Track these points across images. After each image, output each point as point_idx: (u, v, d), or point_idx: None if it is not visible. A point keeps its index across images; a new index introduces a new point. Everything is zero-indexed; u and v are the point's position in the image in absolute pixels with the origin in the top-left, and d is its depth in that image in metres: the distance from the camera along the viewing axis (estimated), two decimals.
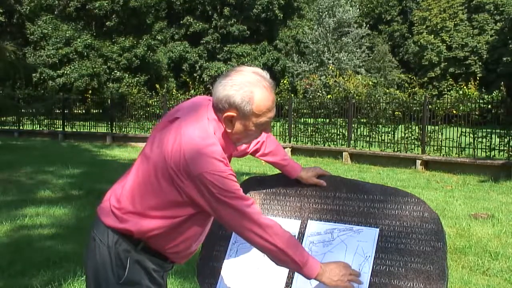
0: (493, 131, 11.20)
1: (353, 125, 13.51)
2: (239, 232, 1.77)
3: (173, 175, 1.69)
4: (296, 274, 2.03)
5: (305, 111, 16.03)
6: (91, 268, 1.85)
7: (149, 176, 1.76)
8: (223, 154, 1.71)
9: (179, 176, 1.68)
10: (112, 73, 29.55)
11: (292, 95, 17.89)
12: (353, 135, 13.46)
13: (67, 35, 29.46)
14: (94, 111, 20.65)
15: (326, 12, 34.39)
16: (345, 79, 23.53)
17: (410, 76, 35.23)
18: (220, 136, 1.77)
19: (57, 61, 29.39)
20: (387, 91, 21.71)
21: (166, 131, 1.78)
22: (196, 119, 1.76)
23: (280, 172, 2.24)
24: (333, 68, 28.61)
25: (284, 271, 2.06)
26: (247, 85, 1.71)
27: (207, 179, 1.65)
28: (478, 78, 27.47)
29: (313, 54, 34.25)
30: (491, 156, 11.00)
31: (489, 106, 11.85)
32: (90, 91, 24.26)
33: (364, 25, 35.17)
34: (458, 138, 11.44)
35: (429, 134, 12.03)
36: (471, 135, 11.37)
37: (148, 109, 17.72)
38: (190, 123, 1.74)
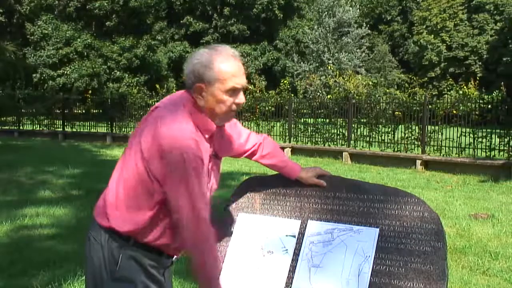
0: (493, 131, 11.20)
1: (353, 125, 13.50)
2: (177, 210, 1.74)
3: (147, 159, 1.71)
4: (296, 274, 2.03)
5: (305, 111, 16.03)
6: (89, 268, 1.86)
7: (128, 169, 1.78)
8: (196, 134, 1.73)
9: (152, 160, 1.70)
10: (112, 73, 29.56)
11: (292, 95, 17.87)
12: (353, 135, 13.45)
13: (67, 35, 29.46)
14: (94, 111, 20.64)
15: (326, 12, 34.39)
16: (345, 79, 23.53)
17: (410, 76, 35.23)
18: (196, 117, 1.78)
19: (57, 61, 29.40)
20: (387, 91, 21.73)
21: (143, 121, 1.83)
22: (172, 104, 1.80)
23: (278, 172, 2.25)
24: (333, 68, 28.62)
25: (284, 271, 2.06)
26: (209, 54, 1.77)
27: (175, 156, 1.66)
28: (478, 78, 27.50)
29: (313, 54, 34.25)
30: (491, 156, 10.99)
31: (489, 106, 11.84)
32: (90, 91, 24.26)
33: (364, 25, 35.17)
34: (458, 138, 11.43)
35: (429, 134, 12.02)
36: (471, 135, 11.36)
37: (148, 109, 17.63)
38: (166, 108, 1.79)
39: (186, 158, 1.67)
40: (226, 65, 1.76)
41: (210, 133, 1.83)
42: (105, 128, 18.17)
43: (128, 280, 1.81)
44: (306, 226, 2.12)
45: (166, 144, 1.67)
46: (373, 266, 1.93)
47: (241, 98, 1.80)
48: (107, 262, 1.81)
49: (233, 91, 1.78)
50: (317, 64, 33.60)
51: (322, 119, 14.96)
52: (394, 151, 12.48)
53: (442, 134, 11.67)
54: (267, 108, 15.65)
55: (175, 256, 1.95)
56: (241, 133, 2.16)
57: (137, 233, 1.80)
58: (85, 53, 29.59)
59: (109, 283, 1.81)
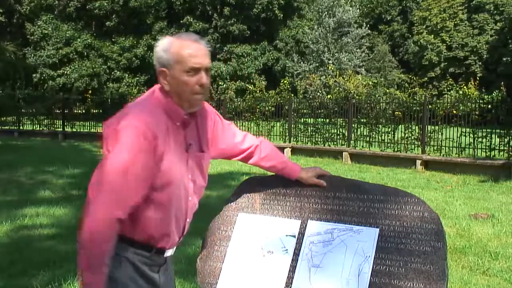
0: (493, 131, 11.20)
1: (353, 125, 13.50)
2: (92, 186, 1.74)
3: (109, 144, 1.74)
4: (296, 274, 2.03)
5: (305, 111, 16.04)
6: None
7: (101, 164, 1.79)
8: (156, 119, 1.75)
9: (111, 142, 1.73)
10: (112, 73, 29.57)
11: (292, 95, 17.88)
12: (353, 135, 13.46)
13: (67, 35, 29.47)
14: (94, 111, 20.64)
15: (326, 12, 34.40)
16: (345, 79, 23.54)
17: (410, 76, 35.19)
18: (166, 102, 1.81)
19: (57, 61, 29.40)
20: (387, 91, 21.70)
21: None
22: (138, 100, 1.87)
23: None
24: (333, 68, 28.62)
25: (284, 271, 2.06)
26: (169, 39, 1.83)
27: (123, 132, 1.69)
28: (478, 78, 27.49)
29: (313, 54, 34.25)
30: (491, 156, 10.99)
31: (489, 106, 11.84)
32: (90, 91, 24.26)
33: (364, 25, 35.17)
34: (458, 138, 11.43)
35: (429, 134, 12.02)
36: (471, 135, 11.36)
37: None
38: (130, 106, 1.84)
39: (130, 134, 1.67)
40: (184, 47, 1.79)
41: (180, 120, 1.83)
42: None
43: (117, 278, 1.80)
44: (306, 226, 2.12)
45: (121, 126, 1.70)
46: (373, 266, 1.93)
47: (203, 78, 1.80)
48: None
49: (194, 72, 1.79)
50: (317, 64, 33.59)
51: (322, 119, 14.96)
52: (394, 151, 12.48)
53: (442, 134, 11.67)
54: (267, 108, 15.66)
55: (169, 253, 1.93)
56: (236, 134, 2.16)
57: (120, 228, 1.78)
58: (85, 53, 29.60)
59: None
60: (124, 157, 1.67)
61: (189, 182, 1.88)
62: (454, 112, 11.91)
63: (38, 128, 19.62)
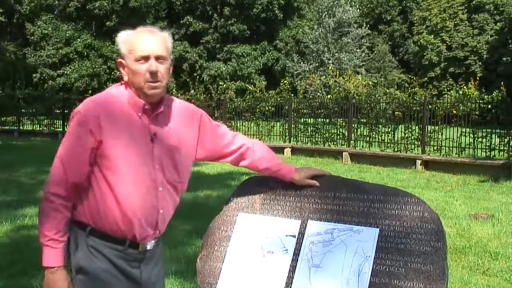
0: (493, 131, 11.20)
1: (353, 125, 13.50)
2: None
3: None
4: (296, 274, 2.03)
5: (305, 111, 16.04)
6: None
7: None
8: (92, 107, 1.83)
9: None
10: (112, 73, 29.57)
11: (292, 95, 17.88)
12: (353, 135, 13.46)
13: (67, 35, 29.47)
14: None
15: (326, 12, 34.38)
16: (345, 79, 23.53)
17: (410, 76, 35.18)
18: (127, 93, 1.89)
19: (57, 61, 29.41)
20: (387, 91, 21.70)
21: None
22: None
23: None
24: (333, 68, 28.61)
25: (284, 271, 2.06)
26: (125, 32, 1.91)
27: (69, 119, 1.87)
28: (478, 78, 27.47)
29: (313, 54, 34.24)
30: (491, 156, 10.99)
31: (489, 106, 11.84)
32: (90, 91, 24.25)
33: (364, 25, 35.16)
34: (458, 138, 11.43)
35: (429, 134, 12.02)
36: (471, 135, 11.36)
37: None
38: None
39: (72, 121, 1.84)
40: (136, 37, 1.86)
41: (140, 110, 1.87)
42: None
43: (90, 271, 1.85)
44: (306, 226, 2.12)
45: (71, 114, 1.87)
46: (373, 266, 1.93)
47: (152, 66, 1.83)
48: (72, 255, 1.89)
49: (144, 60, 1.83)
50: (317, 64, 33.58)
51: (322, 119, 14.96)
52: (394, 151, 12.48)
53: (442, 134, 11.67)
54: (267, 108, 15.66)
55: (146, 247, 1.92)
56: (226, 135, 2.16)
57: (89, 220, 1.86)
58: (85, 53, 29.62)
59: (74, 275, 1.88)
60: (64, 142, 1.84)
61: (155, 172, 1.88)
62: (454, 112, 11.91)
63: (38, 128, 19.62)
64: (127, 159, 1.82)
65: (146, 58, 1.83)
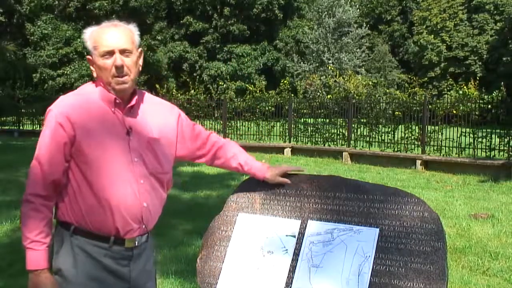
0: (493, 131, 11.20)
1: (353, 125, 13.50)
2: None
3: None
4: (296, 274, 2.03)
5: (305, 111, 16.03)
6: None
7: None
8: (65, 103, 1.85)
9: None
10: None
11: (292, 95, 17.87)
12: (353, 135, 13.45)
13: (67, 35, 29.48)
14: None
15: (326, 12, 34.37)
16: (345, 79, 23.52)
17: (410, 76, 35.15)
18: (98, 89, 1.89)
19: (57, 61, 29.41)
20: (387, 91, 21.70)
21: None
22: None
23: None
24: (333, 68, 28.60)
25: (284, 271, 2.06)
26: (90, 29, 1.91)
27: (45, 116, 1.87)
28: (478, 78, 27.44)
29: (313, 54, 34.23)
30: (491, 156, 10.99)
31: (489, 106, 11.84)
32: None
33: (364, 25, 35.15)
34: (458, 138, 11.43)
35: (429, 134, 12.02)
36: (471, 135, 11.36)
37: None
38: None
39: (46, 119, 1.85)
40: (99, 32, 1.87)
41: (112, 104, 1.87)
42: None
43: (67, 276, 1.83)
44: (306, 226, 2.12)
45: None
46: (373, 266, 1.93)
47: (117, 60, 1.83)
48: (54, 255, 1.87)
49: (109, 55, 1.84)
50: (317, 64, 33.58)
51: (322, 119, 14.96)
52: (394, 151, 12.48)
53: (442, 134, 11.67)
54: (267, 108, 15.65)
55: (133, 244, 1.90)
56: (201, 134, 2.16)
57: (72, 219, 1.84)
58: (85, 53, 29.51)
59: (53, 275, 1.85)
60: (39, 141, 1.85)
61: (134, 165, 1.87)
62: (454, 112, 11.91)
63: (38, 128, 19.61)
64: (102, 153, 1.81)
65: (110, 53, 1.83)
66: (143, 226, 1.91)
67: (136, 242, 1.91)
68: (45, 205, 1.82)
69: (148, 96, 2.04)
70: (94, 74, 1.90)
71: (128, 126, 1.89)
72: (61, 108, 1.83)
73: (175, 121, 2.07)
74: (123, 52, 1.85)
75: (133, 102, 1.91)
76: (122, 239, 1.87)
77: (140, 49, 1.95)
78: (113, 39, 1.84)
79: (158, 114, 2.01)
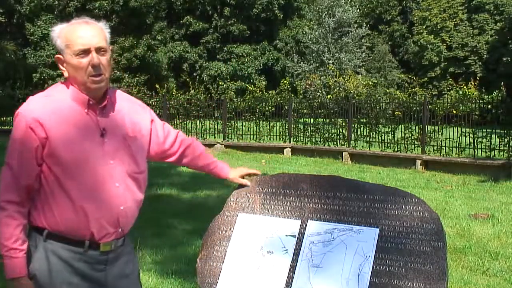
0: (493, 131, 11.20)
1: (353, 125, 13.50)
2: None
3: None
4: (296, 274, 2.03)
5: (305, 111, 16.04)
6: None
7: None
8: (33, 105, 1.78)
9: None
10: (112, 73, 29.57)
11: (292, 95, 17.88)
12: (353, 135, 13.45)
13: None
14: None
15: (326, 12, 34.36)
16: (345, 79, 23.51)
17: (410, 76, 35.15)
18: (70, 90, 1.83)
19: None
20: (387, 91, 21.70)
21: None
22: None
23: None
24: (333, 68, 28.59)
25: (284, 271, 2.06)
26: (59, 26, 1.84)
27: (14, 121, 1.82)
28: (478, 78, 27.43)
29: (313, 54, 34.21)
30: (491, 156, 10.99)
31: (489, 106, 11.84)
32: None
33: (364, 25, 35.14)
34: (458, 138, 11.43)
35: (429, 134, 12.02)
36: (471, 135, 11.36)
37: None
38: None
39: (14, 123, 1.80)
40: (71, 30, 1.79)
41: (85, 106, 1.82)
42: None
43: (49, 276, 1.79)
44: (306, 226, 2.12)
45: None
46: (373, 266, 1.94)
47: (94, 59, 1.78)
48: (29, 260, 1.82)
49: (84, 54, 1.78)
50: (317, 64, 33.55)
51: (322, 119, 14.96)
52: (394, 151, 12.47)
53: (442, 134, 11.67)
54: (267, 108, 15.65)
55: (109, 247, 1.85)
56: (171, 133, 2.14)
57: (45, 223, 1.80)
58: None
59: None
60: (9, 146, 1.79)
61: (109, 167, 1.82)
62: (454, 112, 11.91)
63: None
64: (76, 157, 1.76)
65: (86, 52, 1.77)
66: (120, 230, 1.87)
67: (112, 246, 1.86)
68: (19, 211, 1.76)
69: (120, 94, 2.00)
70: (66, 74, 1.82)
71: (102, 128, 1.84)
72: (30, 111, 1.76)
73: (148, 119, 2.04)
74: (98, 50, 1.79)
75: (106, 101, 1.87)
76: (97, 244, 1.82)
77: (111, 47, 1.89)
78: (88, 37, 1.77)
79: (131, 112, 1.97)
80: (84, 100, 1.82)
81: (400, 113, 12.89)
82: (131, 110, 1.98)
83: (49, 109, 1.77)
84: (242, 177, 2.28)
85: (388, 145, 12.76)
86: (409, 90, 15.66)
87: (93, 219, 1.79)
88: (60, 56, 1.82)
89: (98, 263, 1.85)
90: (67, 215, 1.78)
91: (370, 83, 22.62)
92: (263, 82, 29.18)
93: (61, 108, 1.79)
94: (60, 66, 1.84)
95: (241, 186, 2.34)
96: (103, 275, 1.86)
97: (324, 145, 14.00)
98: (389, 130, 12.80)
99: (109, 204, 1.82)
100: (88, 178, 1.78)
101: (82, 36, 1.77)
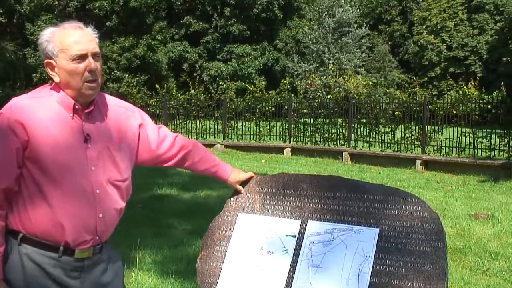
0: (493, 131, 11.20)
1: (353, 125, 13.50)
2: None
3: None
4: (296, 274, 2.03)
5: (305, 111, 16.04)
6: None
7: None
8: (17, 107, 1.74)
9: None
10: (112, 73, 29.56)
11: (292, 95, 17.88)
12: (353, 135, 13.45)
13: None
14: None
15: (326, 12, 34.37)
16: (345, 79, 23.52)
17: (410, 76, 35.15)
18: (57, 94, 1.79)
19: None
20: (387, 91, 21.70)
21: None
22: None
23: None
24: (333, 68, 28.61)
25: (284, 271, 2.06)
26: (51, 29, 1.81)
27: None
28: (478, 78, 27.46)
29: (313, 54, 34.22)
30: (491, 156, 10.99)
31: (489, 106, 11.84)
32: None
33: (364, 25, 35.15)
34: (458, 138, 11.43)
35: (429, 134, 12.02)
36: (471, 135, 11.36)
37: (148, 109, 17.69)
38: None
39: None
40: (67, 35, 1.77)
41: (71, 110, 1.79)
42: None
43: (23, 281, 1.76)
44: (306, 226, 2.12)
45: None
46: (373, 266, 1.93)
47: (91, 64, 1.77)
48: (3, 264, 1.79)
49: (81, 59, 1.76)
50: (317, 64, 33.56)
51: (322, 119, 14.96)
52: (394, 151, 12.48)
53: (442, 134, 11.67)
54: (267, 108, 15.65)
55: (85, 254, 1.82)
56: (167, 137, 2.11)
57: (20, 227, 1.76)
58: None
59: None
60: None
61: (91, 174, 1.79)
62: (454, 112, 11.91)
63: None
64: (56, 161, 1.73)
65: (83, 57, 1.75)
66: (97, 237, 1.84)
67: (88, 253, 1.83)
68: None
69: (108, 99, 1.96)
70: (56, 79, 1.78)
71: (86, 133, 1.81)
72: (13, 112, 1.72)
73: (136, 125, 2.00)
74: (94, 55, 1.78)
75: (92, 107, 1.84)
76: (73, 250, 1.79)
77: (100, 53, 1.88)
78: (85, 42, 1.76)
79: (118, 118, 1.93)
80: (70, 105, 1.79)
81: (400, 113, 12.89)
82: (119, 117, 1.94)
83: (32, 111, 1.74)
84: (240, 183, 2.28)
85: (388, 145, 12.76)
86: (409, 90, 15.66)
87: (69, 225, 1.76)
88: (51, 61, 1.78)
89: (73, 270, 1.81)
90: (43, 219, 1.74)
91: (370, 83, 22.65)
92: (263, 82, 29.18)
93: (46, 111, 1.76)
94: (50, 71, 1.80)
95: (242, 185, 2.34)
96: (78, 282, 1.82)
97: (324, 145, 14.00)
98: (389, 130, 12.80)
99: (87, 211, 1.79)
100: (68, 183, 1.75)
101: (78, 42, 1.76)
